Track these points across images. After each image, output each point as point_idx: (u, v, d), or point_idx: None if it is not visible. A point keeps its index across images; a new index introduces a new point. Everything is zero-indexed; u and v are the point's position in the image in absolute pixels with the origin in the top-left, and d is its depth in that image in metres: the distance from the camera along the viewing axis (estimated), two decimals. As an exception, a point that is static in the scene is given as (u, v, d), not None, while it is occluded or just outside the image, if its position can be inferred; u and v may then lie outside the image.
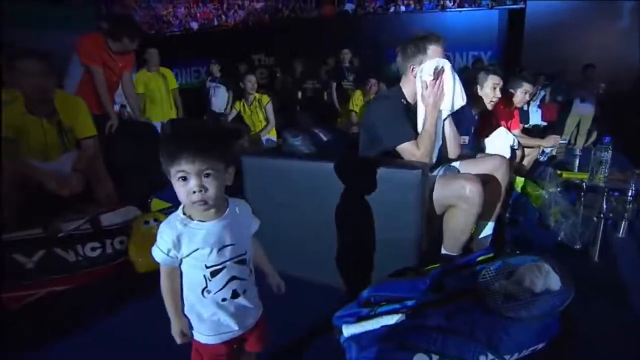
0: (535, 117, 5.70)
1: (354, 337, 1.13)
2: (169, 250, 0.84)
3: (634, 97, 5.05)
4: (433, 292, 1.20)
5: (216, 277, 0.85)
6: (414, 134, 1.57)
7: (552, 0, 6.35)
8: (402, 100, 1.65)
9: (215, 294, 0.86)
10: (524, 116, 5.55)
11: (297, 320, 1.50)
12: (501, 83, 2.25)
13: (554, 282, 1.13)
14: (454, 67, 1.63)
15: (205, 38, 9.24)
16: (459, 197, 1.44)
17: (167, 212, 2.32)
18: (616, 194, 2.06)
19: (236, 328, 0.90)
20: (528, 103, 5.44)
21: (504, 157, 1.82)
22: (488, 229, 1.83)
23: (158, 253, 0.85)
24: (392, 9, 8.68)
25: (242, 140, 3.28)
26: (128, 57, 2.74)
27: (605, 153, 1.96)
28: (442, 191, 1.47)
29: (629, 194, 2.11)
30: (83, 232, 1.87)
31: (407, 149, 1.54)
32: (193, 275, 0.86)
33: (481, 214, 1.80)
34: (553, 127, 5.66)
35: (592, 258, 1.93)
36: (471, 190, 1.41)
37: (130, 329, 1.49)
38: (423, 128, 1.56)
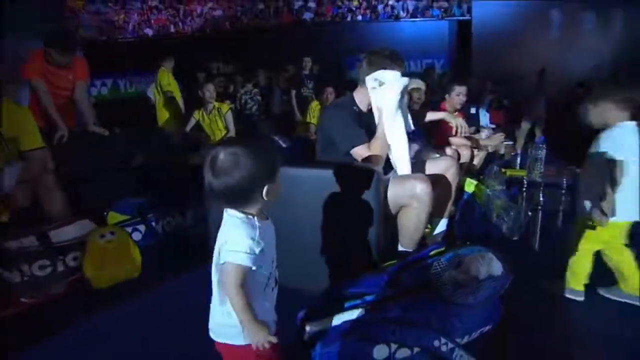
0: (484, 120, 6.16)
1: (317, 334, 1.17)
2: (261, 249, 0.82)
3: (565, 102, 5.55)
4: (391, 287, 1.27)
5: (274, 270, 0.91)
6: (365, 138, 1.65)
7: (496, 1, 6.90)
8: (354, 107, 1.74)
9: (272, 287, 0.90)
10: (475, 119, 5.95)
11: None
12: (424, 87, 2.64)
13: (496, 268, 1.24)
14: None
15: (161, 45, 8.95)
16: (411, 197, 1.53)
17: (125, 224, 2.24)
18: (561, 188, 2.29)
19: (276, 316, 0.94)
20: (477, 107, 5.84)
21: (454, 159, 1.95)
22: (441, 226, 1.96)
23: (245, 256, 0.80)
24: (348, 19, 8.97)
25: (202, 150, 3.24)
26: (78, 66, 2.64)
27: (540, 151, 2.16)
28: (396, 191, 1.56)
29: (563, 187, 2.33)
30: (31, 249, 1.76)
31: (359, 152, 1.62)
32: (262, 273, 0.86)
33: (434, 212, 1.93)
34: (500, 128, 6.11)
35: (533, 247, 2.12)
36: (422, 190, 1.51)
37: (89, 348, 1.42)
38: (375, 133, 1.65)
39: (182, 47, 8.53)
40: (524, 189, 2.39)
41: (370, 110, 1.78)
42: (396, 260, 1.46)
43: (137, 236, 2.28)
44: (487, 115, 6.07)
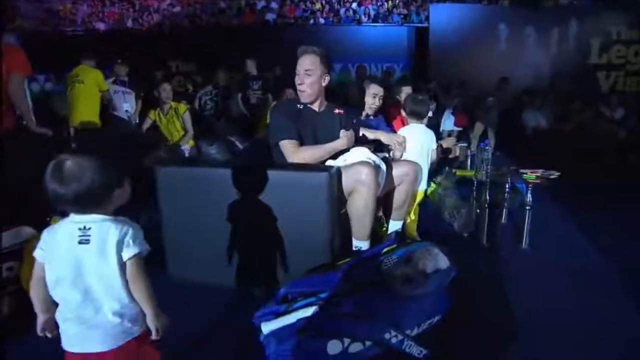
0: (449, 123, 6.34)
1: (273, 333, 1.18)
2: None
3: (513, 109, 5.94)
4: (344, 284, 1.31)
5: None
6: (296, 134, 1.73)
7: (453, 7, 7.35)
8: (298, 105, 1.83)
9: None
10: (433, 121, 6.13)
11: (218, 326, 1.50)
12: (381, 92, 2.54)
13: (442, 262, 1.32)
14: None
15: (115, 41, 8.49)
16: (357, 181, 1.58)
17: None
18: (509, 188, 2.46)
19: None
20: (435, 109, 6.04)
21: (415, 164, 2.00)
22: (397, 225, 2.03)
23: (145, 242, 0.92)
24: (311, 21, 9.05)
25: (159, 150, 3.13)
26: (12, 56, 2.36)
27: (486, 153, 2.31)
28: (345, 178, 1.61)
29: (507, 186, 2.51)
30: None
31: (287, 147, 1.71)
32: None
33: (392, 215, 2.00)
34: (467, 131, 6.38)
35: (480, 242, 2.26)
36: (366, 174, 1.57)
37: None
38: (323, 146, 1.74)
39: (138, 43, 8.16)
40: (474, 189, 2.55)
41: (325, 111, 1.84)
42: (349, 258, 1.50)
43: (85, 242, 2.17)
44: (452, 118, 6.27)
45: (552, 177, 2.16)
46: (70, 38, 8.81)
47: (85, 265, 0.85)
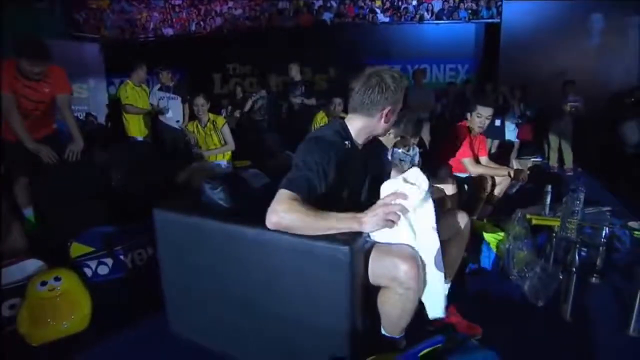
0: (511, 134, 5.48)
1: None
2: None
3: (605, 117, 4.94)
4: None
5: None
6: (313, 188, 1.21)
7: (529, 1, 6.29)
8: (346, 143, 1.33)
9: None
10: (498, 131, 5.32)
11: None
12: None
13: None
14: None
15: (179, 45, 8.87)
16: (392, 279, 1.13)
17: (81, 262, 2.00)
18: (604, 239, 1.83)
19: None
20: (502, 119, 5.25)
21: (468, 216, 1.54)
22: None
23: None
24: (369, 19, 8.56)
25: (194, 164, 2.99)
26: (56, 77, 2.38)
27: (577, 201, 1.73)
28: (375, 266, 1.17)
29: (601, 239, 1.89)
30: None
31: (281, 195, 1.19)
32: None
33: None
34: (528, 145, 5.50)
35: (563, 317, 1.70)
36: (406, 273, 1.10)
37: None
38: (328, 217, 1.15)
39: (200, 47, 8.41)
40: (553, 239, 1.98)
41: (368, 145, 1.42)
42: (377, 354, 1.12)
43: (103, 270, 2.07)
44: (516, 129, 5.42)
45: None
46: (142, 45, 9.37)
47: None
